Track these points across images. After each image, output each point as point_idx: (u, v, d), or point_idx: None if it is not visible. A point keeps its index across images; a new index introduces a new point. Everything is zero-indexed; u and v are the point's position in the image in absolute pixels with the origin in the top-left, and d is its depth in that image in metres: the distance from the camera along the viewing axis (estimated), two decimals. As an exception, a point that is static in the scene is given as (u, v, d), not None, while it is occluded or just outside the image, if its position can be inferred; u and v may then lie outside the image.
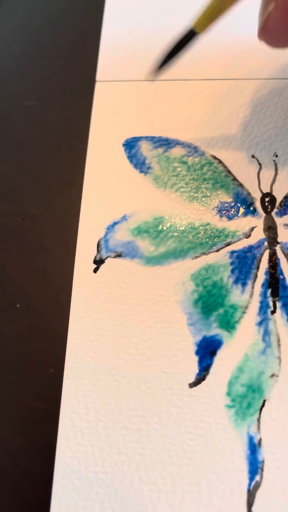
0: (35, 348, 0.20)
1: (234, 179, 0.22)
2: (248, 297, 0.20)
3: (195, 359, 0.19)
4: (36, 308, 0.21)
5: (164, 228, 0.21)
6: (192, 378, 0.19)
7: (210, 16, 0.17)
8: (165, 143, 0.23)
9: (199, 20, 0.17)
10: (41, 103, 0.26)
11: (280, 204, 0.21)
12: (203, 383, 0.18)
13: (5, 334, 0.21)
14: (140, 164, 0.23)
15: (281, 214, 0.21)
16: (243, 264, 0.20)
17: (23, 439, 0.19)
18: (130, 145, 0.23)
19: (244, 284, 0.20)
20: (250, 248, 0.21)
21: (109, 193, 0.22)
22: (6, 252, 0.22)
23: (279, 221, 0.21)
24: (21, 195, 0.23)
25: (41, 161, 0.24)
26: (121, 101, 0.25)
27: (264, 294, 0.20)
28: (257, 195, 0.22)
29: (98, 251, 0.21)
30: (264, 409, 0.18)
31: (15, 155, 0.25)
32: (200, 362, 0.19)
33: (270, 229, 0.21)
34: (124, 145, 0.23)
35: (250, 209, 0.21)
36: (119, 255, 0.21)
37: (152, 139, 0.23)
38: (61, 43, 0.28)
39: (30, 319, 0.21)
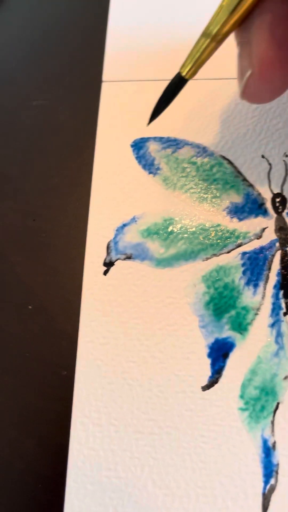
0: (47, 350, 0.20)
1: (244, 179, 0.22)
2: (260, 298, 0.19)
3: (207, 361, 0.19)
4: (47, 310, 0.21)
5: (174, 229, 0.21)
6: (204, 381, 0.18)
7: (197, 62, 0.18)
8: (174, 143, 0.23)
9: (187, 67, 0.18)
10: (49, 103, 0.26)
11: (291, 204, 0.21)
12: (216, 386, 0.18)
13: (17, 336, 0.20)
14: (148, 165, 0.23)
15: (292, 214, 0.21)
16: (255, 266, 0.20)
17: (36, 442, 0.19)
18: (138, 145, 0.23)
19: (256, 286, 0.20)
20: (262, 249, 0.20)
21: (118, 195, 0.22)
22: (17, 254, 0.22)
23: (290, 221, 0.21)
24: (31, 196, 0.23)
25: (51, 161, 0.24)
26: (129, 102, 0.24)
27: (276, 296, 0.19)
28: (267, 196, 0.21)
29: (108, 253, 0.21)
30: (278, 411, 0.18)
31: (24, 155, 0.24)
32: (213, 364, 0.19)
33: (282, 229, 0.21)
34: (132, 146, 0.23)
35: (261, 210, 0.21)
36: (129, 257, 0.21)
37: (160, 139, 0.23)
38: (68, 43, 0.28)
39: (42, 320, 0.21)
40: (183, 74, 0.18)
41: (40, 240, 0.22)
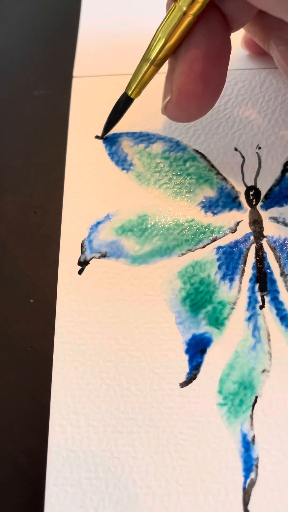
0: (50, 344, 0.20)
1: (218, 173, 0.22)
2: (236, 292, 0.19)
3: (185, 358, 0.19)
4: (49, 303, 0.20)
5: (149, 226, 0.21)
6: (183, 378, 0.18)
7: (140, 83, 0.20)
8: (146, 138, 0.23)
9: (132, 87, 0.20)
10: (51, 93, 0.25)
11: (265, 197, 0.21)
12: (194, 382, 0.18)
13: (19, 330, 0.20)
14: (121, 161, 0.22)
15: (266, 207, 0.21)
16: (230, 260, 0.20)
17: (40, 437, 0.18)
18: (111, 141, 0.23)
19: (231, 280, 0.20)
20: (237, 243, 0.20)
21: (91, 192, 0.22)
22: (18, 246, 0.22)
23: (264, 214, 0.21)
24: (33, 188, 0.23)
25: (53, 153, 0.23)
26: (100, 97, 0.24)
27: (252, 289, 0.19)
28: (241, 189, 0.21)
29: (82, 252, 0.21)
30: (256, 405, 0.18)
31: (26, 147, 0.24)
32: (190, 361, 0.18)
33: (256, 223, 0.21)
34: (104, 142, 0.23)
35: (235, 203, 0.21)
36: (103, 256, 0.20)
37: (132, 134, 0.23)
38: (69, 32, 0.27)
39: (44, 314, 0.20)
40: (129, 93, 0.20)
41: (42, 233, 0.22)
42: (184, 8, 0.17)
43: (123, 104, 0.21)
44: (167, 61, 0.19)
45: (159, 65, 0.19)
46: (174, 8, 0.17)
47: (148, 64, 0.19)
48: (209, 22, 0.17)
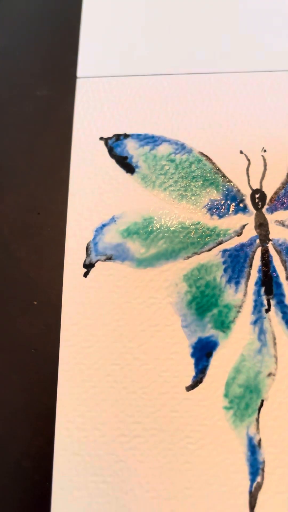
0: (54, 346, 0.20)
1: (223, 176, 0.22)
2: (242, 296, 0.19)
3: (191, 361, 0.19)
4: (53, 305, 0.20)
5: (154, 228, 0.21)
6: (189, 381, 0.18)
7: None
8: (151, 140, 0.22)
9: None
10: (53, 93, 0.25)
11: (270, 200, 0.21)
12: (200, 385, 0.18)
13: (23, 332, 0.20)
14: (127, 164, 0.22)
15: (271, 210, 0.21)
16: (236, 263, 0.20)
17: (44, 440, 0.18)
18: (116, 143, 0.23)
19: (237, 283, 0.20)
20: (242, 246, 0.20)
21: (96, 194, 0.22)
22: (22, 248, 0.22)
23: (270, 217, 0.21)
24: (36, 189, 0.23)
25: (56, 153, 0.23)
26: (105, 98, 0.24)
27: (258, 293, 0.19)
28: (247, 192, 0.21)
29: (88, 254, 0.21)
30: (262, 409, 0.18)
31: (28, 147, 0.24)
32: (196, 364, 0.19)
33: (262, 226, 0.21)
34: (109, 144, 0.23)
35: (240, 206, 0.21)
36: (109, 258, 0.20)
37: (137, 136, 0.23)
38: (71, 33, 0.27)
39: (48, 316, 0.20)
40: None
41: (45, 234, 0.22)
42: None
43: None
44: None
45: None
46: None
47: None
48: None
